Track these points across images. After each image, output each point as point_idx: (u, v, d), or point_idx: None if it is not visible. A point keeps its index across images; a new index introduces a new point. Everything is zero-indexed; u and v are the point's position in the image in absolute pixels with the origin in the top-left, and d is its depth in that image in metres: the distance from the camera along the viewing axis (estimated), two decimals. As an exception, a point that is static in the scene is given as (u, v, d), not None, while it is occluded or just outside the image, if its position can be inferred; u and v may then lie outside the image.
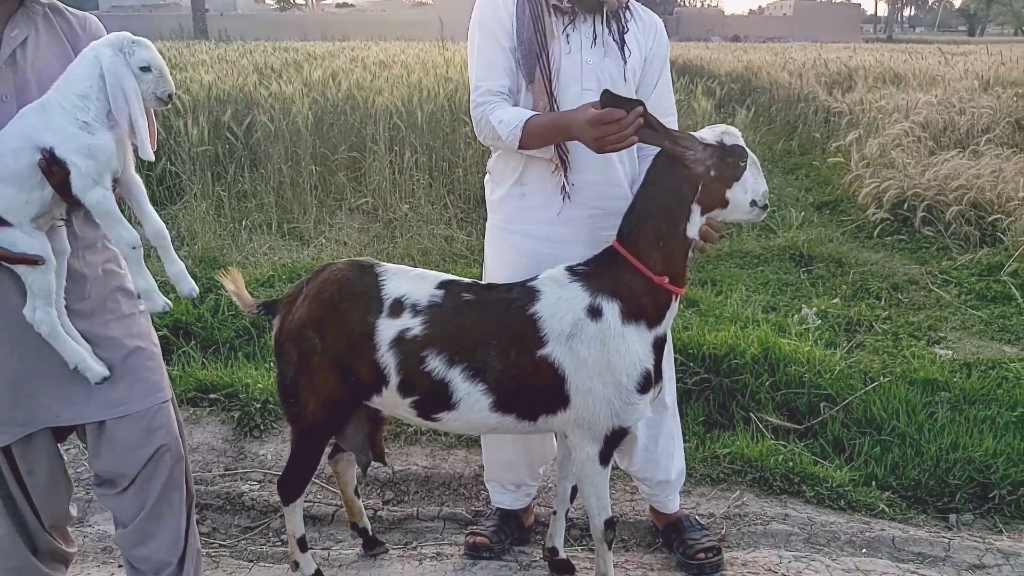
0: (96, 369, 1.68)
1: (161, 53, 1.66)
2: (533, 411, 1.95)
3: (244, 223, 5.47)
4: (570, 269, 1.92)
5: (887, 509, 2.70)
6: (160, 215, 1.73)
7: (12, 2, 1.64)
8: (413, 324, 1.91)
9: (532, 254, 2.15)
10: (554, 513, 2.34)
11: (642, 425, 2.27)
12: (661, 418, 2.33)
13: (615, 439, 1.97)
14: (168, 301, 1.73)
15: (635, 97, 2.00)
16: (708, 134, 1.88)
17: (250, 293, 4.40)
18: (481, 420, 1.95)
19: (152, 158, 1.61)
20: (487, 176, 2.30)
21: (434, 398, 1.93)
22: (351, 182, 6.42)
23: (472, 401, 1.91)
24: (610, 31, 2.07)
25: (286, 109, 6.15)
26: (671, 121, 2.10)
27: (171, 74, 1.68)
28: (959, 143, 6.47)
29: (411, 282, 1.98)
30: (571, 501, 2.31)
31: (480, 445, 2.61)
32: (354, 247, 5.38)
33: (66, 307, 1.68)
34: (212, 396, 3.19)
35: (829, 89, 9.49)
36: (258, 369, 3.40)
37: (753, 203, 1.89)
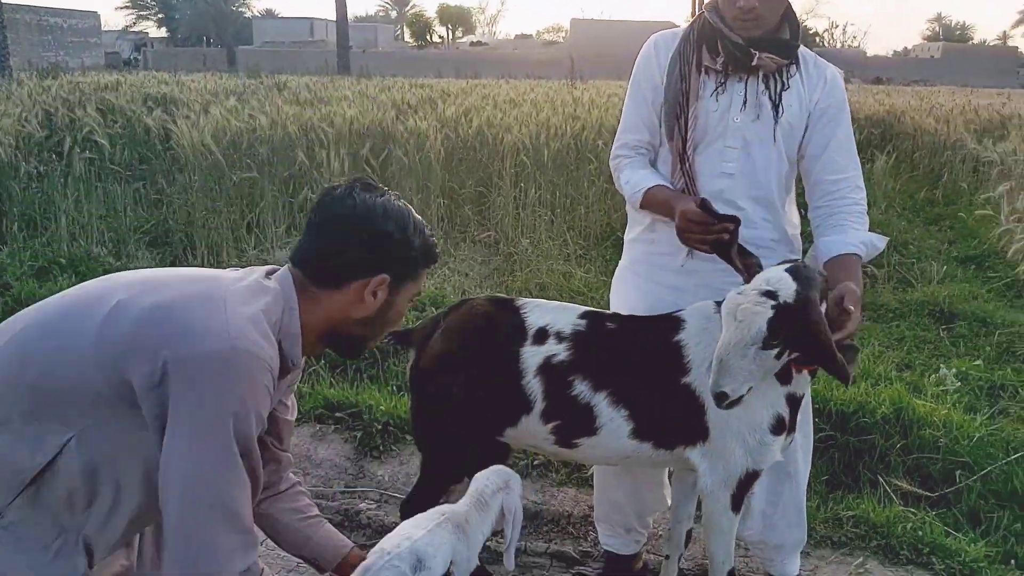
0: None
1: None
2: (672, 440, 1.96)
3: (375, 251, 5.71)
4: (719, 304, 1.89)
5: (1028, 591, 2.50)
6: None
7: None
8: (559, 350, 1.96)
9: (655, 300, 2.16)
10: (666, 557, 2.31)
11: (760, 491, 2.21)
12: (782, 486, 2.25)
13: (747, 483, 1.95)
14: None
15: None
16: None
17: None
18: (620, 447, 1.97)
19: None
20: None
21: (577, 424, 1.96)
22: (476, 215, 6.62)
23: (615, 427, 1.94)
24: (767, 89, 2.03)
25: (420, 144, 6.41)
26: (846, 179, 2.04)
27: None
28: None
29: (553, 313, 2.05)
30: (685, 547, 2.27)
31: (590, 484, 2.60)
32: (475, 278, 5.52)
33: None
34: (338, 414, 3.34)
35: (979, 137, 8.97)
36: (381, 392, 3.53)
37: None
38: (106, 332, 1.30)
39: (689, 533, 2.26)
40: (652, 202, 2.08)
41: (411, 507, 2.26)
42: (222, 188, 6.02)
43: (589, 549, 2.70)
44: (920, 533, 2.67)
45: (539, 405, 1.96)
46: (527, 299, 2.10)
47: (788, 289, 1.64)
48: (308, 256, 1.48)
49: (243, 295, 1.38)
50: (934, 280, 5.49)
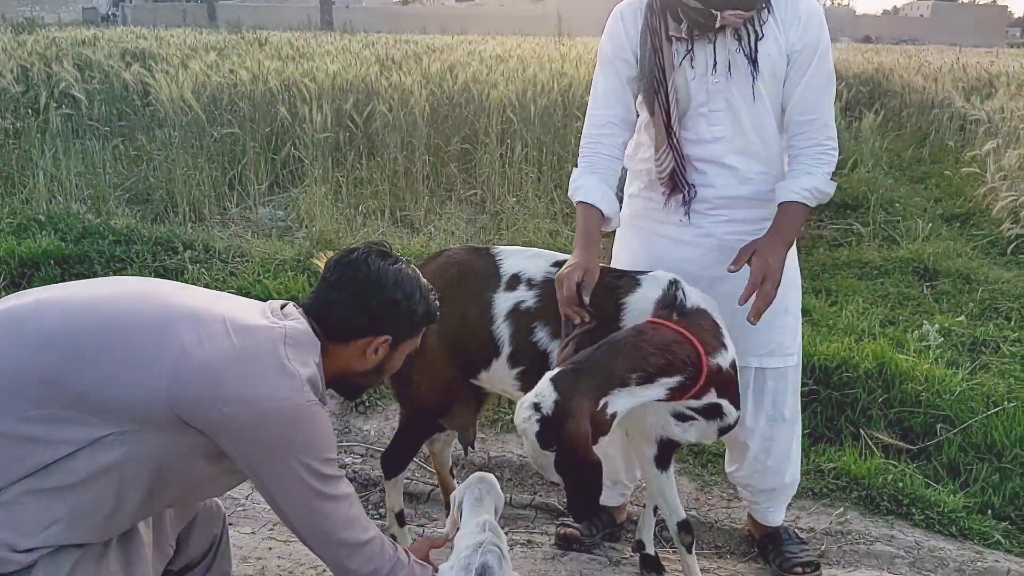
0: None
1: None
2: None
3: (360, 208, 5.66)
4: (673, 282, 1.89)
5: (1003, 540, 2.54)
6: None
7: None
8: (527, 297, 2.01)
9: (658, 251, 2.16)
10: (643, 507, 2.35)
11: (754, 434, 2.23)
12: (776, 431, 2.25)
13: (667, 448, 1.99)
14: None
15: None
16: None
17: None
18: None
19: None
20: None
21: (537, 370, 1.94)
22: (461, 173, 6.55)
23: None
24: (740, 46, 1.97)
25: (404, 100, 6.31)
26: (813, 121, 1.99)
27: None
28: None
29: (528, 260, 2.07)
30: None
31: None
32: (461, 237, 5.48)
33: None
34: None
35: (967, 95, 8.93)
36: (366, 348, 3.52)
37: None
38: (179, 376, 1.39)
39: None
40: (577, 217, 2.01)
41: (391, 459, 2.29)
42: (203, 144, 5.93)
43: (574, 502, 2.72)
44: (900, 485, 2.70)
45: (506, 349, 2.02)
46: (503, 246, 2.15)
47: (548, 401, 1.62)
48: (323, 313, 1.59)
49: (296, 352, 1.49)
50: (919, 238, 5.49)
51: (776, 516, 2.38)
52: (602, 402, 1.65)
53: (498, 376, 2.07)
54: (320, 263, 2.39)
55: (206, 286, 3.79)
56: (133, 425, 1.39)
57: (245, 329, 1.48)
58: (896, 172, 7.46)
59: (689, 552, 2.08)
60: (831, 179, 2.02)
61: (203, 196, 5.71)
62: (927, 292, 4.67)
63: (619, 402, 1.68)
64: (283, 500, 1.49)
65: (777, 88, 2.02)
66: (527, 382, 1.98)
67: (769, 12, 1.98)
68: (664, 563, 2.31)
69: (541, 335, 1.99)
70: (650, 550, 2.30)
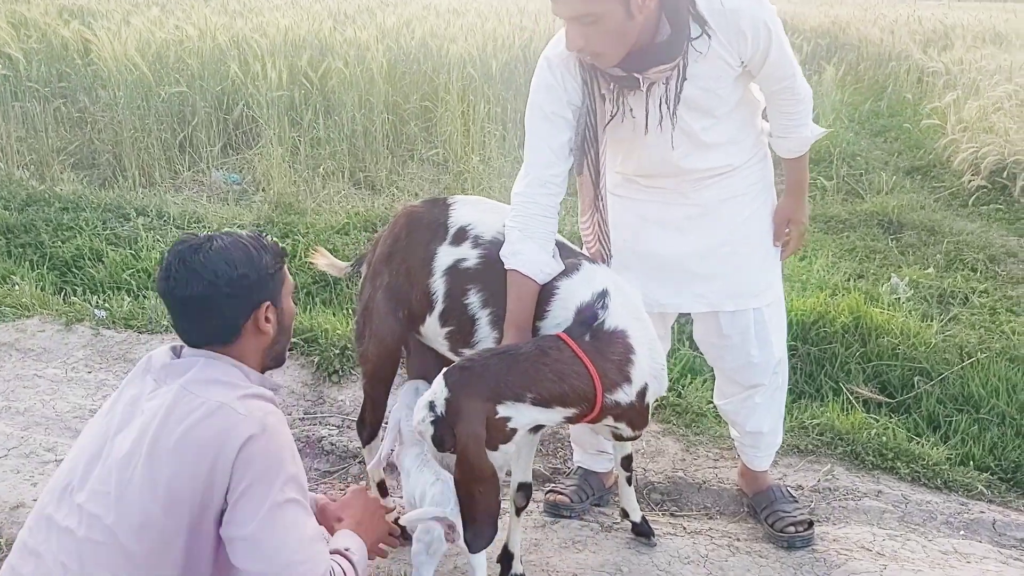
0: None
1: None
2: None
3: (319, 170, 5.47)
4: (602, 293, 1.75)
5: (985, 491, 2.57)
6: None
7: None
8: (470, 256, 1.92)
9: (643, 212, 2.13)
10: (616, 478, 2.30)
11: (747, 371, 2.21)
12: (771, 378, 2.24)
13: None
14: None
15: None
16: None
17: (325, 240, 4.43)
18: None
19: None
20: None
21: (463, 334, 1.93)
22: (422, 132, 6.36)
23: (486, 347, 1.88)
24: (666, 93, 1.88)
25: (360, 56, 6.08)
26: (786, 82, 1.98)
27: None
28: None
29: (482, 213, 1.97)
30: (625, 469, 2.19)
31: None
32: (425, 197, 5.34)
33: None
34: (293, 340, 3.19)
35: (924, 48, 8.97)
36: (336, 315, 3.40)
37: None
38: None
39: (628, 457, 2.18)
40: (512, 287, 1.82)
41: (362, 423, 2.28)
42: (150, 105, 5.63)
43: (559, 466, 2.67)
44: (884, 439, 2.71)
45: (439, 306, 1.95)
46: (463, 196, 2.08)
47: (440, 399, 1.60)
48: (203, 336, 1.56)
49: (223, 389, 1.50)
50: (882, 191, 5.51)
51: (763, 462, 2.38)
52: (499, 411, 1.60)
53: (431, 332, 2.01)
54: (317, 261, 2.37)
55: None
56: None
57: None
58: (856, 126, 7.47)
59: (517, 516, 2.04)
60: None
61: (152, 159, 5.45)
62: (893, 245, 4.70)
63: (519, 418, 1.64)
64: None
65: (727, 102, 1.97)
66: (455, 343, 1.96)
67: (708, 38, 1.84)
68: (653, 525, 2.28)
69: (473, 299, 1.90)
70: (635, 518, 2.25)
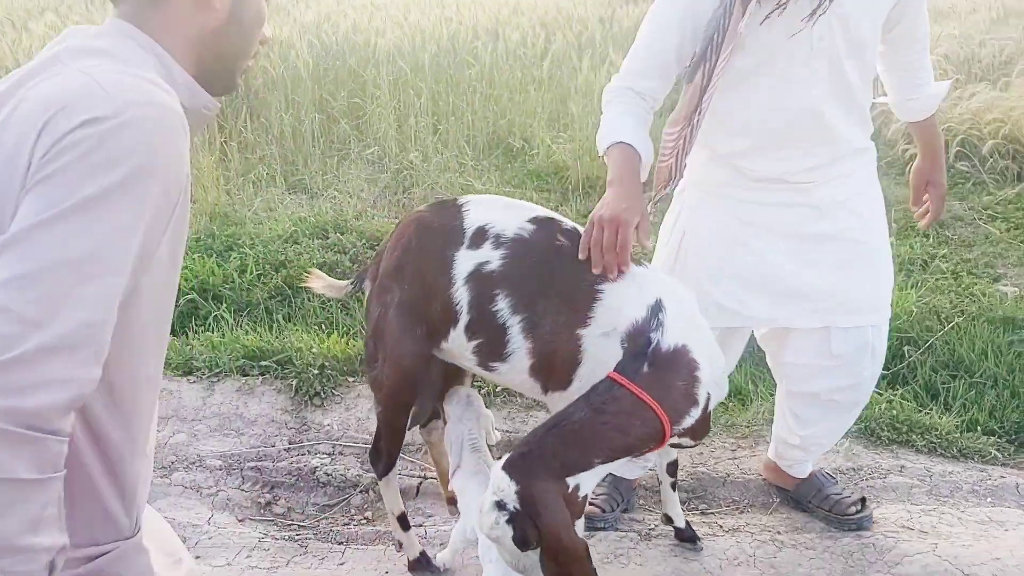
0: None
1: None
2: (551, 386, 1.73)
3: (250, 176, 5.14)
4: (656, 305, 1.59)
5: (998, 455, 2.58)
6: None
7: None
8: (493, 257, 1.71)
9: (745, 217, 1.97)
10: (660, 483, 2.17)
11: (851, 391, 2.10)
12: (842, 414, 2.16)
13: None
14: None
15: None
16: None
17: (275, 251, 4.13)
18: (522, 382, 1.77)
19: None
20: None
21: (493, 345, 1.73)
22: (354, 130, 6.09)
23: (518, 358, 1.71)
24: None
25: (284, 53, 5.77)
26: (925, 33, 1.95)
27: None
28: (984, 76, 6.28)
29: (499, 211, 1.79)
30: (671, 475, 2.09)
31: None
32: (367, 199, 5.09)
33: None
34: (263, 363, 2.94)
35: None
36: (309, 333, 3.14)
37: None
38: None
39: (674, 462, 2.09)
40: (614, 158, 1.75)
41: (377, 454, 2.05)
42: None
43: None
44: (894, 412, 2.69)
45: (464, 318, 1.74)
46: (473, 196, 1.90)
47: (509, 493, 1.44)
48: None
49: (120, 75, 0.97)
50: (821, 163, 5.61)
51: (804, 468, 2.30)
52: (571, 484, 1.47)
53: (457, 347, 1.79)
54: (313, 284, 2.14)
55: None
56: None
57: None
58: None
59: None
60: None
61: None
62: (843, 216, 4.76)
63: (588, 482, 1.52)
64: None
65: (872, 34, 1.82)
66: (484, 357, 1.76)
67: None
68: (695, 528, 2.17)
69: (502, 305, 1.69)
70: (680, 523, 2.14)
